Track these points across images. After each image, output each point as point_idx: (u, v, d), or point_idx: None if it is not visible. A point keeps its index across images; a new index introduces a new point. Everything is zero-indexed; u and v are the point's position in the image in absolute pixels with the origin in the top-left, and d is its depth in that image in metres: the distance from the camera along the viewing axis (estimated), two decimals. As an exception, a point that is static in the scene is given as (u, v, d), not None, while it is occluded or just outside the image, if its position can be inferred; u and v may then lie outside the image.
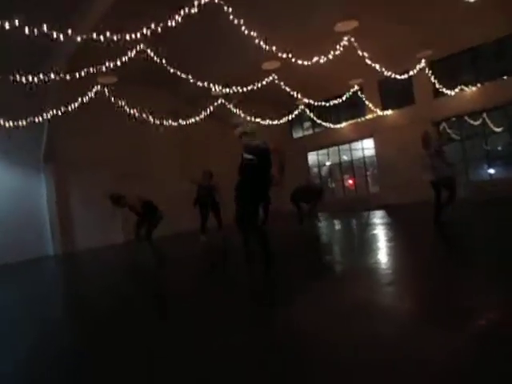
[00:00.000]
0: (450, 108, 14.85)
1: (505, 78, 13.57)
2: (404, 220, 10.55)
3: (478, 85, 14.23)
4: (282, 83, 12.51)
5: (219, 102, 13.86)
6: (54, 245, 12.72)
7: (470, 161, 15.28)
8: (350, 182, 19.47)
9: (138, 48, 9.14)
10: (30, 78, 8.35)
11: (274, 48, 9.00)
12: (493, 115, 14.51)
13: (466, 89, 14.44)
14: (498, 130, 14.54)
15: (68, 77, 8.55)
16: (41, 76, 8.26)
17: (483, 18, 11.60)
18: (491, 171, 14.98)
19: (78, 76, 8.49)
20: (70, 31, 6.67)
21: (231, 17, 7.79)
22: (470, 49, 14.26)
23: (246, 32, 8.15)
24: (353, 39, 10.05)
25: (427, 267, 4.64)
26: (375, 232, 8.37)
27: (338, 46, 10.00)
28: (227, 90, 11.93)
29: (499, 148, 15.08)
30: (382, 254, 5.83)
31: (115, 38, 7.03)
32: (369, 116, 16.97)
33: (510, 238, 5.70)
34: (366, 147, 18.19)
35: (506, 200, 11.29)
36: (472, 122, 14.98)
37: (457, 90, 14.50)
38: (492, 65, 14.17)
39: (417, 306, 3.27)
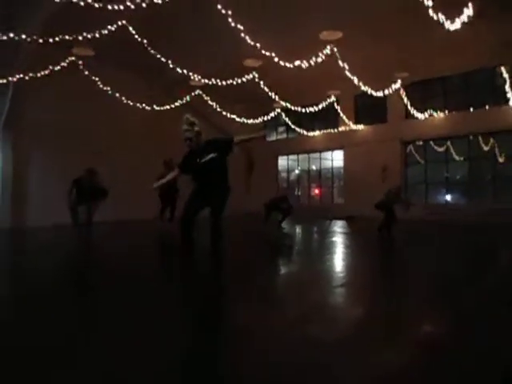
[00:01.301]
0: (418, 131, 15.48)
1: (471, 109, 14.31)
2: (362, 231, 10.84)
3: (447, 112, 14.93)
4: (261, 82, 12.53)
5: (197, 92, 13.69)
6: (1, 218, 11.98)
7: (429, 184, 15.97)
8: (316, 191, 19.79)
9: (119, 23, 8.87)
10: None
11: (258, 45, 8.99)
12: (456, 144, 15.26)
13: (434, 114, 15.11)
14: (459, 158, 15.30)
15: (41, 40, 8.12)
16: (11, 35, 7.80)
17: (459, 50, 12.19)
18: (448, 197, 15.73)
19: (51, 41, 8.08)
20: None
21: (219, 6, 7.72)
22: (443, 77, 14.94)
23: (233, 24, 8.09)
24: (335, 49, 10.24)
25: (375, 273, 4.82)
26: (333, 239, 8.55)
27: (320, 54, 10.15)
28: (206, 80, 11.79)
29: (457, 177, 15.87)
30: (337, 259, 5.95)
31: (96, 5, 6.76)
32: (341, 128, 17.36)
33: (448, 254, 6.06)
34: (336, 158, 18.57)
35: (457, 224, 11.94)
36: (437, 147, 15.68)
37: (426, 114, 15.14)
38: (461, 95, 14.90)
39: (362, 308, 3.34)
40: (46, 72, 10.60)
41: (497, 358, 1.96)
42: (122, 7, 7.35)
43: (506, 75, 12.81)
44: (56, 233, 10.08)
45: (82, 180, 7.45)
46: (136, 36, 9.22)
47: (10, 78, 9.85)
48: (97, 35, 8.63)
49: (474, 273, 4.75)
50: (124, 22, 9.03)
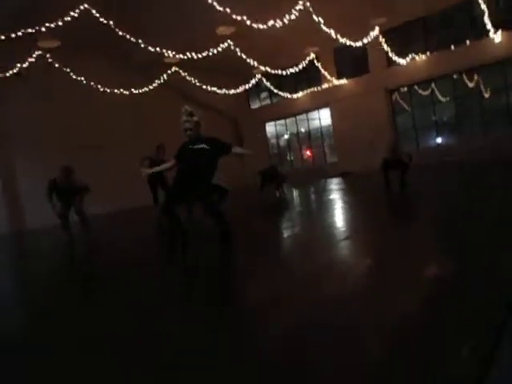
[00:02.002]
0: (402, 77, 15.28)
1: (452, 47, 14.08)
2: (358, 186, 10.92)
3: (428, 53, 14.69)
4: (237, 49, 12.19)
5: (173, 69, 13.33)
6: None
7: (419, 129, 15.94)
8: (308, 153, 19.72)
9: (81, 7, 8.49)
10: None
11: (228, 10, 8.68)
12: (441, 85, 15.12)
13: (416, 58, 14.86)
14: (445, 99, 15.21)
15: (3, 37, 7.78)
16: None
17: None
18: (438, 140, 15.76)
19: (14, 36, 7.75)
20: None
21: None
22: (421, 18, 14.60)
23: (199, -9, 7.77)
24: (308, 3, 9.91)
25: (376, 224, 4.88)
26: (332, 197, 8.61)
27: (293, 10, 9.83)
28: (181, 55, 11.45)
29: (445, 118, 15.85)
30: (338, 215, 6.02)
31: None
32: (325, 85, 17.09)
33: (447, 198, 6.12)
34: (323, 117, 18.41)
35: (450, 165, 12.05)
36: (421, 91, 15.54)
37: (408, 58, 14.88)
38: (441, 34, 14.64)
39: (368, 259, 3.41)
40: (15, 71, 10.24)
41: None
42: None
43: (483, 6, 12.52)
44: (56, 234, 10.01)
45: (58, 181, 6.71)
46: (101, 19, 8.84)
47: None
48: (60, 23, 8.27)
49: (472, 217, 4.77)
50: (86, 5, 8.65)
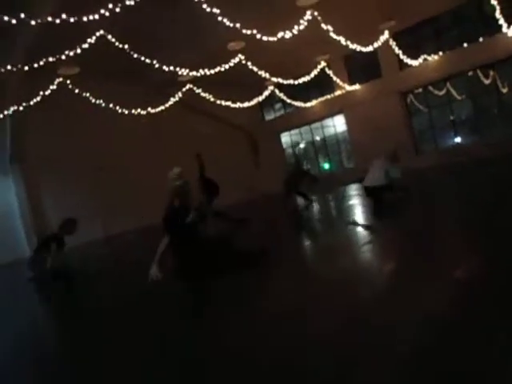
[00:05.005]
0: (415, 79, 15.16)
1: (465, 45, 13.92)
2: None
3: (440, 53, 14.55)
4: (249, 63, 12.40)
5: (187, 87, 13.63)
6: (30, 248, 12.29)
7: (437, 129, 15.72)
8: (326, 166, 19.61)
9: (97, 34, 8.85)
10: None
11: (238, 25, 8.88)
12: (456, 83, 14.91)
13: (429, 58, 14.73)
14: (461, 97, 14.97)
15: (26, 68, 8.18)
16: (-3, 69, 7.87)
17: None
18: (457, 139, 15.47)
19: (36, 66, 8.13)
20: (22, 15, 6.35)
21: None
22: (431, 18, 14.51)
23: (209, 10, 7.99)
24: (316, 13, 10.03)
25: (396, 227, 4.85)
26: (351, 203, 8.57)
27: (301, 21, 9.97)
28: (194, 73, 11.73)
29: (463, 117, 15.58)
30: (358, 219, 6.01)
31: (72, 19, 6.74)
32: (337, 92, 17.11)
33: (463, 203, 5.98)
34: (338, 124, 18.38)
35: (470, 164, 11.80)
36: (437, 92, 15.36)
37: (420, 60, 14.77)
38: (452, 33, 14.50)
39: (390, 262, 3.40)
40: (38, 99, 10.68)
41: None
42: (96, 17, 7.32)
43: (494, 2, 12.37)
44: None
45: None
46: (116, 43, 9.18)
47: (6, 112, 9.96)
48: (78, 51, 8.64)
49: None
50: (102, 31, 9.01)
